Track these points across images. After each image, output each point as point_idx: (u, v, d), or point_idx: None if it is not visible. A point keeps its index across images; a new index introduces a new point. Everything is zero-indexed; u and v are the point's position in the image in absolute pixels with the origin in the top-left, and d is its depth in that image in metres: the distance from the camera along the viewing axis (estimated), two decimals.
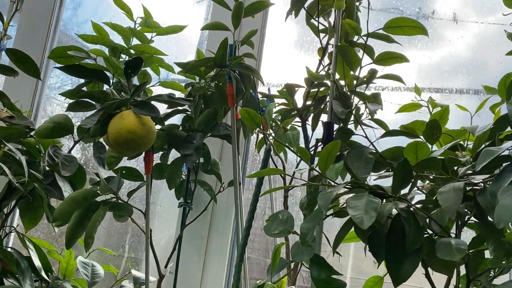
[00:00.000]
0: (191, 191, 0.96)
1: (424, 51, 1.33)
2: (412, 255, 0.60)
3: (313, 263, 0.66)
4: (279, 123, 0.89)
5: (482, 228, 0.69)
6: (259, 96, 0.91)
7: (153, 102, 0.81)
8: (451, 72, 1.30)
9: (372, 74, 0.90)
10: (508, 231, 0.76)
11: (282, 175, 0.86)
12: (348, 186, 0.62)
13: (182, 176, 0.99)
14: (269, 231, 0.71)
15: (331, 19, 0.80)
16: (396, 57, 0.79)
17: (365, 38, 0.81)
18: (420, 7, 1.48)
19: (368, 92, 0.91)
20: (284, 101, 0.92)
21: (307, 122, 0.89)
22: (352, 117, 0.84)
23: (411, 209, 0.61)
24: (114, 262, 1.31)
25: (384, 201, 0.65)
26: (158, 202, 1.32)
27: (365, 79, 0.90)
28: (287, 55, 1.30)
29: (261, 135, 0.96)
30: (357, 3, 0.90)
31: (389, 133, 0.80)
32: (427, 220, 0.62)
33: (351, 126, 0.91)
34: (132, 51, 1.07)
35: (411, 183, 0.61)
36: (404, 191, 0.66)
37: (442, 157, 0.66)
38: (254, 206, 0.71)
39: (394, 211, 0.64)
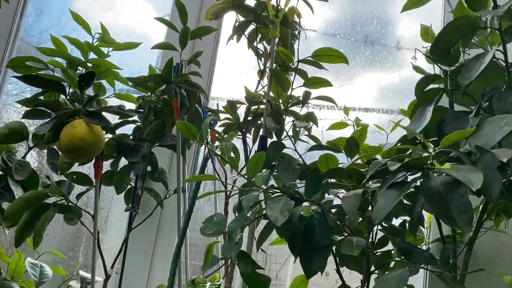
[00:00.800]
0: (138, 197, 1.03)
1: (380, 74, 1.47)
2: (321, 251, 0.70)
3: (240, 259, 0.75)
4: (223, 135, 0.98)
5: (386, 230, 0.80)
6: (206, 110, 1.00)
7: (104, 113, 0.88)
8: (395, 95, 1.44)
9: (306, 95, 1.01)
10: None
11: (224, 182, 0.95)
12: (270, 191, 0.71)
13: (131, 182, 1.06)
14: (204, 232, 0.79)
15: (269, 46, 0.90)
16: (322, 82, 0.90)
17: (302, 63, 0.93)
18: (367, 34, 1.63)
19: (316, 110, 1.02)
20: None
21: (248, 135, 0.99)
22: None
23: (322, 211, 0.71)
24: (67, 266, 1.35)
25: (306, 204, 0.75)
26: (111, 207, 1.38)
27: (300, 99, 1.01)
28: (237, 73, 1.41)
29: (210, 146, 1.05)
30: (296, 32, 1.01)
31: (315, 147, 0.91)
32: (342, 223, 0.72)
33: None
34: (89, 64, 1.14)
35: (321, 189, 0.71)
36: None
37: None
38: (191, 209, 0.80)
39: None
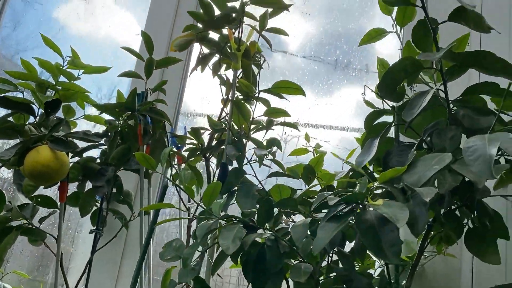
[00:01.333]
0: (104, 218, 1.05)
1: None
2: (273, 277, 0.74)
3: (196, 284, 0.78)
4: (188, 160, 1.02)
5: (338, 255, 0.84)
6: (171, 135, 1.04)
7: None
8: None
9: (269, 122, 1.06)
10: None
11: (185, 208, 0.98)
12: (225, 219, 0.75)
13: (98, 203, 1.08)
14: (163, 257, 0.82)
15: (231, 76, 0.95)
16: (281, 112, 0.95)
17: (264, 92, 0.98)
18: (336, 58, 1.70)
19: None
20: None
21: (211, 161, 1.03)
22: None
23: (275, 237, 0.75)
24: (33, 286, 1.35)
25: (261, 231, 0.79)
26: (78, 228, 1.39)
27: (263, 125, 1.06)
28: (206, 98, 1.45)
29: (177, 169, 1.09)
30: (261, 61, 1.06)
31: (274, 174, 0.96)
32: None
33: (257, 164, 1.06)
34: (58, 87, 1.16)
35: (273, 217, 0.75)
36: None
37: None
38: (149, 235, 0.83)
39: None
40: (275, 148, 1.10)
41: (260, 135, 1.09)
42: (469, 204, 0.75)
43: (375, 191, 0.70)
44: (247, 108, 0.91)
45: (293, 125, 1.09)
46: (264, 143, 1.11)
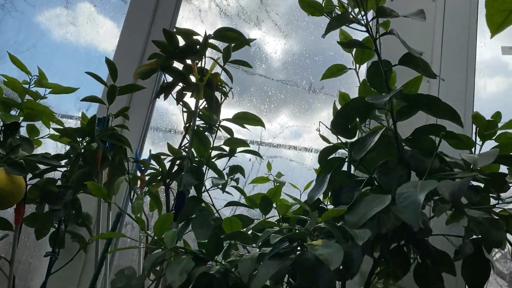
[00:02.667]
0: (61, 240, 1.04)
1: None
2: None
3: None
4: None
5: None
6: (132, 161, 1.04)
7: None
8: None
9: (232, 151, 1.08)
10: None
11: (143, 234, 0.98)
12: (175, 250, 0.76)
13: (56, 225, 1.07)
14: (114, 285, 0.82)
15: (192, 104, 0.97)
16: (240, 142, 0.97)
17: (226, 121, 1.00)
18: (311, 82, 1.74)
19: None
20: None
21: (171, 188, 1.04)
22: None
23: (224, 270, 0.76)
24: None
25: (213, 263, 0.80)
26: (38, 247, 1.37)
27: (226, 153, 1.07)
28: (174, 123, 1.46)
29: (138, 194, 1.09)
30: (226, 89, 1.09)
31: (232, 203, 0.97)
32: None
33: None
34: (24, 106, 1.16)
35: (223, 250, 0.76)
36: None
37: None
38: (101, 262, 0.83)
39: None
40: (238, 175, 1.12)
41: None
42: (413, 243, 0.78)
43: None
44: (207, 137, 0.93)
45: (256, 153, 1.11)
46: (227, 169, 1.13)
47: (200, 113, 0.94)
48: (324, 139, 0.91)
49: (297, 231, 0.63)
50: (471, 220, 0.68)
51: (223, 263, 0.77)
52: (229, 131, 1.01)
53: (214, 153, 1.08)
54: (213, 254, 0.75)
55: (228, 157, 1.11)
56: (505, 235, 0.65)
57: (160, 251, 0.75)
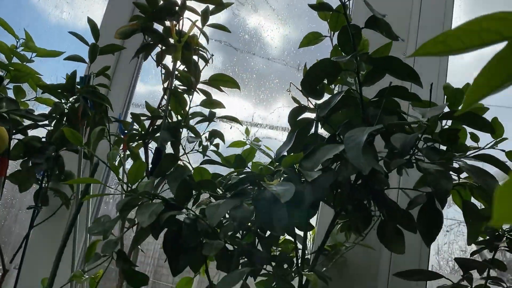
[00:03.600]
0: (44, 196, 1.09)
1: None
2: (188, 253, 0.79)
3: (118, 257, 0.83)
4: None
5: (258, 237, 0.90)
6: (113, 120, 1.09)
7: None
8: None
9: (211, 114, 1.12)
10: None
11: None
12: (147, 196, 0.80)
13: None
14: (91, 231, 0.87)
15: (170, 65, 1.00)
16: (217, 103, 1.01)
17: (202, 83, 1.04)
18: (299, 63, 1.78)
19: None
20: None
21: (150, 147, 1.08)
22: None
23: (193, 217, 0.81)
24: None
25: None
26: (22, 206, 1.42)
27: (205, 117, 1.12)
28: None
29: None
30: (206, 54, 1.12)
31: (207, 161, 1.01)
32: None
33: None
34: (11, 68, 1.19)
35: (192, 197, 0.81)
36: None
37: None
38: (78, 209, 0.87)
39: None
40: (218, 141, 1.16)
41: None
42: (373, 196, 0.83)
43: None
44: (184, 97, 0.97)
45: (235, 119, 1.15)
46: (207, 135, 1.17)
47: (178, 74, 0.98)
48: (295, 100, 0.96)
49: (255, 173, 0.68)
50: (423, 171, 0.73)
51: (193, 210, 0.82)
52: (206, 93, 1.05)
53: (196, 119, 1.13)
54: (182, 200, 0.80)
55: (207, 122, 1.16)
56: (451, 185, 0.69)
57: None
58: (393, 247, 0.90)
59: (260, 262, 0.69)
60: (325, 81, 0.94)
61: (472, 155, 0.77)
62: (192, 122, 1.07)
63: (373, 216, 0.97)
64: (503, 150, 1.00)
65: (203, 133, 1.18)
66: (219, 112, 1.14)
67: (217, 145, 1.18)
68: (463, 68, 1.49)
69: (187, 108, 1.00)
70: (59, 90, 0.96)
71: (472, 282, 0.94)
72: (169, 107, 0.99)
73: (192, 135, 1.00)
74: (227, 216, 0.94)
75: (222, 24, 1.02)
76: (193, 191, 0.82)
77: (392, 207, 0.79)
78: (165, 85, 1.00)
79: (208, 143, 1.17)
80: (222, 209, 0.64)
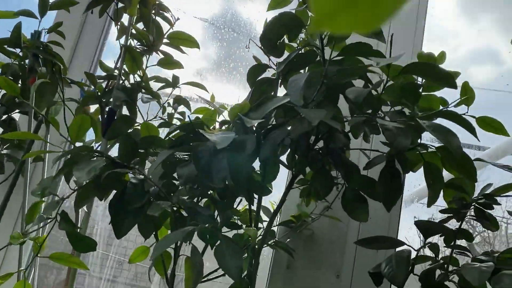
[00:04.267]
0: (1, 165, 1.04)
1: None
2: (132, 214, 0.75)
3: (61, 219, 0.79)
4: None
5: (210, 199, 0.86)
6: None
7: None
8: None
9: (175, 79, 1.07)
10: None
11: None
12: (87, 151, 0.75)
13: None
14: (34, 193, 0.82)
15: (126, 22, 0.95)
16: (175, 63, 0.96)
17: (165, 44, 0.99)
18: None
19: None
20: None
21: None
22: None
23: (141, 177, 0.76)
24: None
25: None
26: None
27: (169, 83, 1.06)
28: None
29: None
30: (170, 16, 1.06)
31: (164, 124, 0.96)
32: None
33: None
34: None
35: (139, 156, 0.76)
36: None
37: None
38: (19, 168, 0.82)
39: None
40: (184, 109, 1.11)
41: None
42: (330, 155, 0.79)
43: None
44: (139, 56, 0.92)
45: (200, 85, 1.10)
46: (171, 101, 1.12)
47: (134, 32, 0.92)
48: (256, 59, 0.91)
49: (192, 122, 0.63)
50: (381, 127, 0.69)
51: (140, 169, 0.77)
52: (166, 54, 1.00)
53: (159, 85, 1.08)
54: (125, 156, 0.75)
55: (171, 88, 1.11)
56: (409, 142, 0.65)
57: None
58: (355, 215, 0.86)
59: (204, 221, 0.65)
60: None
61: (434, 112, 0.72)
62: (159, 90, 1.02)
63: (337, 183, 0.93)
64: (473, 117, 0.96)
65: (167, 99, 1.13)
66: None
67: (183, 114, 1.13)
68: (441, 36, 1.44)
69: (146, 72, 0.94)
70: (5, 46, 0.90)
71: (438, 251, 0.91)
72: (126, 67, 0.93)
73: (149, 96, 0.94)
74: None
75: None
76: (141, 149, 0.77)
77: (349, 166, 0.74)
78: (121, 42, 0.94)
79: (173, 110, 1.12)
80: (158, 160, 0.60)
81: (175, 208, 0.77)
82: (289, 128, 0.72)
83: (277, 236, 1.09)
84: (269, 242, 1.06)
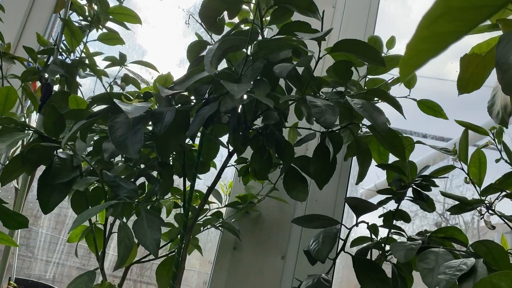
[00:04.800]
0: None
1: None
2: (59, 189, 0.73)
3: None
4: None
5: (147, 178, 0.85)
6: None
7: None
8: None
9: (122, 57, 1.04)
10: None
11: None
12: (12, 124, 0.73)
13: None
14: None
15: None
16: (116, 38, 0.93)
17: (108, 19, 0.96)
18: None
19: None
20: None
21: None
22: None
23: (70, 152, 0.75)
24: None
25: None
26: None
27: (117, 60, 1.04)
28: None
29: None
30: None
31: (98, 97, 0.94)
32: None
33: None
34: None
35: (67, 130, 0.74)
36: None
37: None
38: None
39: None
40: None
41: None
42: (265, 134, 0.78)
43: None
44: (78, 29, 0.89)
45: (150, 65, 1.08)
46: (119, 80, 1.10)
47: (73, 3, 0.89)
48: (198, 36, 0.89)
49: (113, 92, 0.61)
50: (310, 105, 0.69)
51: (69, 144, 0.75)
52: (110, 30, 0.97)
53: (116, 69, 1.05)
54: (52, 129, 0.73)
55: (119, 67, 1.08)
56: (335, 119, 0.65)
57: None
58: (294, 194, 0.87)
59: (127, 195, 0.64)
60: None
61: (366, 91, 0.72)
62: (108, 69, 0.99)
63: (278, 164, 0.93)
64: (415, 99, 0.98)
65: (115, 78, 1.11)
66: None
67: (133, 93, 1.11)
68: (390, 21, 1.46)
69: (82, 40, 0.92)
70: None
71: (377, 232, 0.92)
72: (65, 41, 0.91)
73: (87, 72, 0.92)
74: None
75: None
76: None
77: (281, 142, 0.74)
78: (60, 15, 0.92)
79: (121, 90, 1.10)
80: (73, 129, 0.58)
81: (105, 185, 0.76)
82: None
83: (225, 217, 1.09)
84: (216, 224, 1.05)
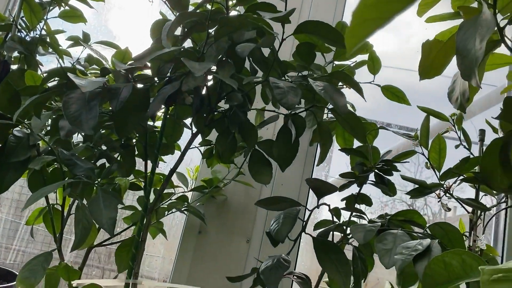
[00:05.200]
0: None
1: None
2: (14, 168, 0.71)
3: None
4: None
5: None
6: None
7: None
8: None
9: (86, 36, 1.01)
10: None
11: None
12: None
13: None
14: None
15: None
16: (77, 16, 0.91)
17: None
18: None
19: None
20: None
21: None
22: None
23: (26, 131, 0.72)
24: None
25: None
26: None
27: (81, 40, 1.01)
28: None
29: None
30: None
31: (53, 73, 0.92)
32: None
33: None
34: None
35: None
36: None
37: None
38: None
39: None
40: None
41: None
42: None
43: None
44: (37, 5, 0.86)
45: (114, 45, 1.05)
46: (82, 61, 1.07)
47: None
48: (162, 14, 0.88)
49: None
50: (273, 86, 0.68)
51: (26, 123, 0.73)
52: (72, 7, 0.94)
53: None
54: (6, 106, 0.70)
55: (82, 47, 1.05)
56: (297, 100, 0.65)
57: None
58: (258, 177, 0.87)
59: (84, 173, 0.62)
60: None
61: (328, 74, 0.73)
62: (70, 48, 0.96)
63: (243, 147, 0.93)
64: (379, 85, 0.99)
65: (78, 58, 1.08)
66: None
67: (97, 75, 1.08)
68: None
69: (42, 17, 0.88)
70: None
71: (339, 214, 0.93)
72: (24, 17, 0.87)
73: (51, 51, 0.89)
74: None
75: None
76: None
77: (244, 124, 0.74)
78: None
79: (84, 70, 1.07)
80: (25, 104, 0.56)
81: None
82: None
83: (191, 201, 1.08)
84: (181, 208, 1.05)
